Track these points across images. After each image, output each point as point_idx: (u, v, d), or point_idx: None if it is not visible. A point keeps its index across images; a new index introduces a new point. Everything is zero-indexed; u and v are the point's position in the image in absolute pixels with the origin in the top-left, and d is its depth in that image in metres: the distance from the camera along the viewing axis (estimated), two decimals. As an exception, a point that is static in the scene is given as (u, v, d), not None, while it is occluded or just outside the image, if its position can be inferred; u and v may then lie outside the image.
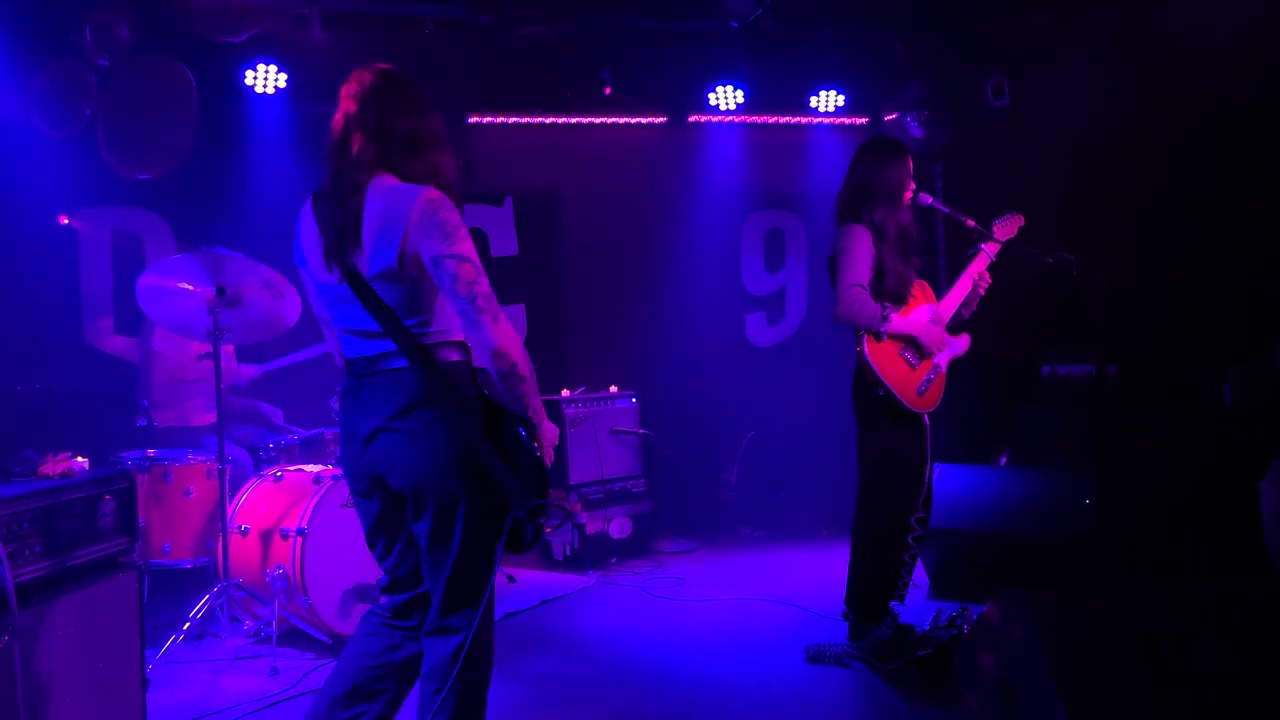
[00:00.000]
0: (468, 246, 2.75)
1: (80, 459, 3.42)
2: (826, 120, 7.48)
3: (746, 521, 7.13)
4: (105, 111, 5.68)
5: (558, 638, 5.02)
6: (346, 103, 2.86)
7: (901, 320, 4.40)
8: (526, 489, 2.73)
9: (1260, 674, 2.92)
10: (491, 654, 2.88)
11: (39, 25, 5.46)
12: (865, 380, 4.43)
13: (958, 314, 4.61)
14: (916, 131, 7.04)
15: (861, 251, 4.37)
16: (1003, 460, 6.10)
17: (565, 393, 6.57)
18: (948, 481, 5.49)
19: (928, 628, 4.53)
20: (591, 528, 6.35)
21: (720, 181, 7.51)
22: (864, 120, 7.52)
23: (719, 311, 7.64)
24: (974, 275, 4.61)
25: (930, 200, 4.73)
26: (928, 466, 4.47)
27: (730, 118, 7.39)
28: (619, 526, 6.44)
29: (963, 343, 4.60)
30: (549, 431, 2.88)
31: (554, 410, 6.46)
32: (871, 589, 4.49)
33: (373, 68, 2.90)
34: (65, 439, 3.74)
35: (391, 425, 2.78)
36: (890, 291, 4.43)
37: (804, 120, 7.52)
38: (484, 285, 2.74)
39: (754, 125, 7.47)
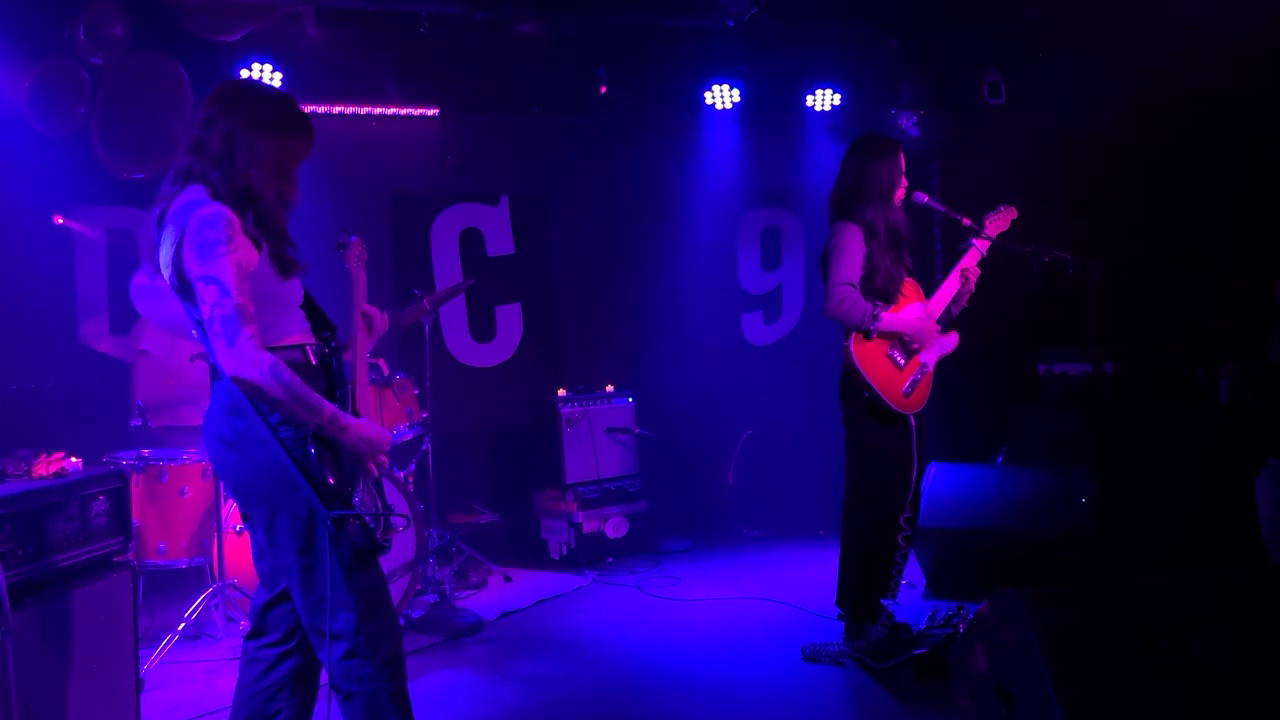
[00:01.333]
0: (221, 265, 2.62)
1: (74, 459, 3.41)
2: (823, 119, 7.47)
3: (743, 521, 7.12)
4: (99, 110, 5.66)
5: (554, 637, 5.01)
6: (198, 112, 2.85)
7: (891, 318, 4.37)
8: (324, 502, 2.68)
9: (1256, 669, 2.92)
10: (393, 651, 2.82)
11: (32, 23, 5.43)
12: (852, 381, 4.41)
13: (947, 311, 4.58)
14: (912, 130, 7.04)
15: (853, 249, 4.36)
16: (999, 459, 6.10)
17: (562, 392, 6.57)
18: (944, 480, 5.49)
19: (924, 627, 4.52)
20: (588, 527, 6.34)
21: (717, 180, 7.50)
22: (860, 119, 7.51)
23: (716, 310, 7.63)
24: (963, 271, 4.58)
25: (926, 199, 4.71)
26: (915, 466, 4.45)
27: (727, 116, 7.38)
28: (615, 526, 6.43)
29: (951, 341, 4.57)
30: (354, 439, 2.77)
31: (550, 410, 6.45)
32: (863, 589, 4.48)
33: (232, 79, 2.89)
34: (59, 439, 3.74)
35: (214, 433, 2.79)
36: (880, 289, 4.41)
37: (800, 119, 7.50)
38: (226, 308, 2.61)
39: (750, 124, 7.46)
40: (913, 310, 4.48)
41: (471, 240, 7.25)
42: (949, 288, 4.57)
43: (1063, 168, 6.49)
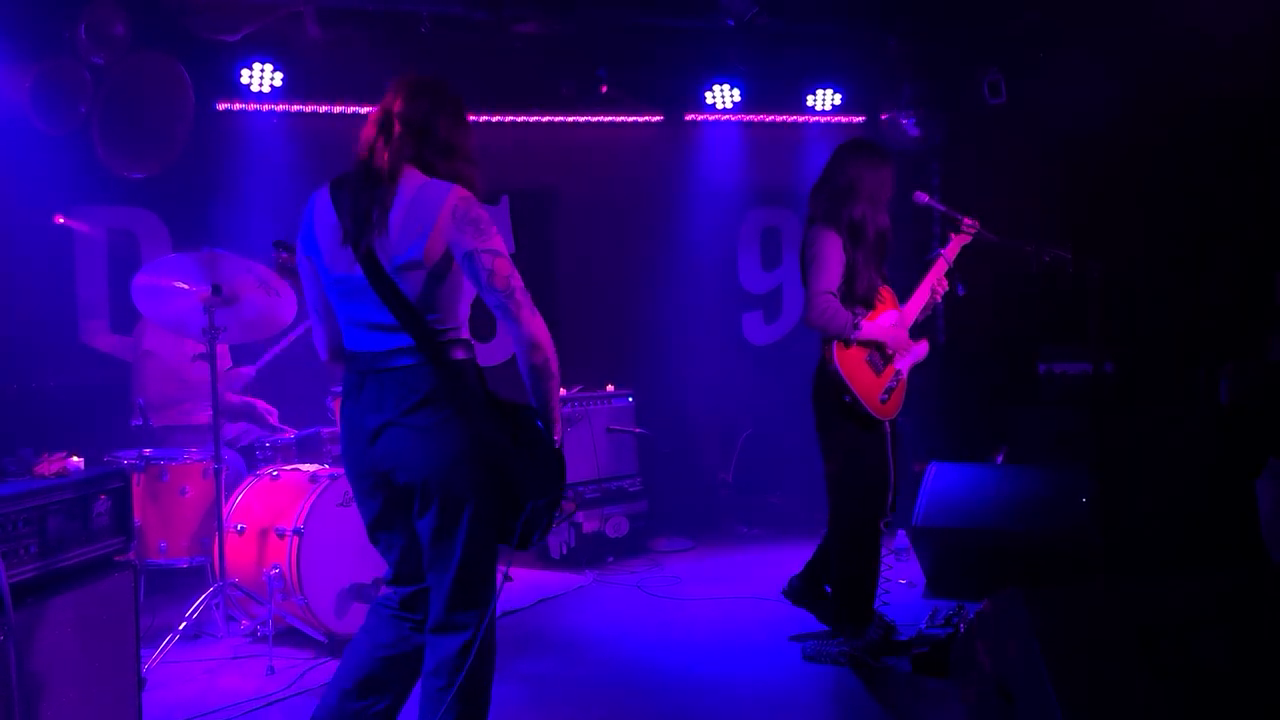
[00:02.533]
0: (499, 242, 2.81)
1: (76, 458, 3.40)
2: (823, 119, 7.48)
3: (744, 520, 7.12)
4: (101, 110, 5.66)
5: (554, 637, 5.01)
6: (392, 98, 2.91)
7: (871, 326, 4.42)
8: (549, 479, 2.80)
9: (1256, 669, 2.92)
10: (495, 652, 2.90)
11: (34, 23, 5.44)
12: (830, 386, 4.42)
13: (916, 319, 4.64)
14: (913, 130, 7.04)
15: (833, 257, 4.37)
16: (1000, 459, 6.11)
17: (562, 391, 6.55)
18: (944, 480, 5.49)
19: (924, 626, 4.53)
20: (588, 527, 6.34)
21: (717, 180, 7.50)
22: (860, 119, 7.53)
23: (716, 310, 7.63)
24: (933, 281, 4.64)
25: (927, 199, 4.73)
26: (893, 469, 4.47)
27: (727, 116, 7.39)
28: (615, 525, 6.44)
29: (923, 348, 4.63)
30: (562, 429, 2.93)
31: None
32: (853, 591, 4.50)
33: (413, 75, 2.97)
34: (61, 438, 3.74)
35: (402, 421, 2.79)
36: (861, 296, 4.43)
37: (800, 119, 7.51)
38: (519, 280, 2.81)
39: (751, 124, 7.47)
40: (889, 318, 4.51)
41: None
42: (921, 296, 4.62)
43: (1063, 167, 6.49)
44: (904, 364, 4.52)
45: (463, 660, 2.79)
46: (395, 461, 2.82)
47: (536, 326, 2.81)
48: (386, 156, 2.84)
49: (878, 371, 4.45)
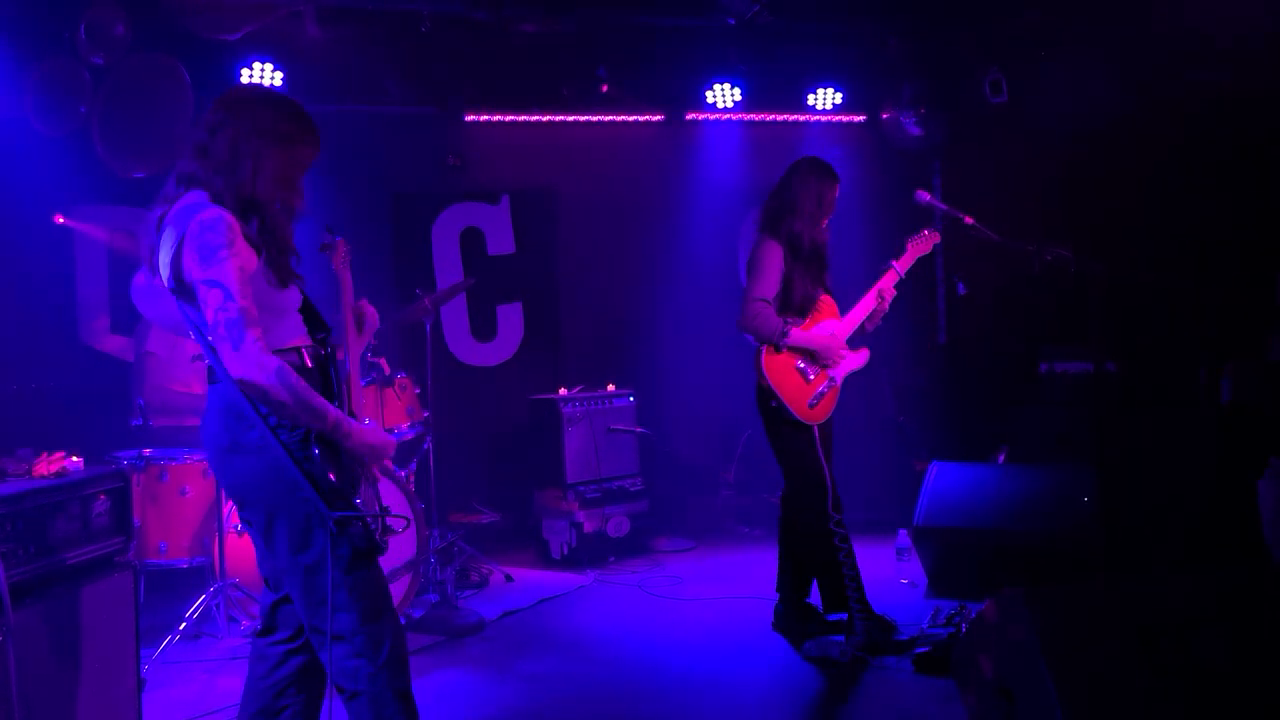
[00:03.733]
0: (224, 270, 2.60)
1: (75, 458, 3.41)
2: (824, 118, 7.48)
3: (744, 520, 7.11)
4: (101, 110, 5.66)
5: (555, 637, 5.01)
6: (205, 115, 2.83)
7: (801, 334, 4.56)
8: (327, 503, 2.67)
9: (1256, 669, 2.92)
10: (396, 651, 2.81)
11: (34, 23, 5.44)
12: (760, 391, 4.59)
13: (861, 328, 4.73)
14: (914, 129, 7.04)
15: (772, 267, 4.55)
16: (1001, 458, 6.10)
17: (563, 391, 6.56)
18: (946, 479, 5.49)
19: (926, 626, 4.53)
20: (589, 526, 6.34)
21: (718, 179, 7.50)
22: (861, 118, 7.52)
23: (716, 309, 7.60)
24: (879, 291, 4.72)
25: (928, 198, 4.74)
26: (826, 471, 4.57)
27: (728, 115, 7.38)
28: (616, 525, 6.43)
29: (861, 357, 4.72)
30: (358, 445, 2.75)
31: (551, 409, 6.45)
32: (829, 584, 4.62)
33: (243, 85, 2.88)
34: (61, 438, 3.73)
35: (213, 438, 2.79)
36: (796, 306, 4.58)
37: (801, 118, 7.51)
38: (230, 311, 2.58)
39: (751, 123, 7.47)
40: (824, 328, 4.64)
41: (472, 239, 7.25)
42: (864, 306, 4.72)
43: (1064, 166, 6.49)
44: (838, 371, 4.65)
45: (350, 670, 2.74)
46: (216, 477, 2.96)
47: (239, 360, 2.59)
48: (169, 184, 2.78)
49: (807, 378, 4.58)
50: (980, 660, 3.23)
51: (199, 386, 5.47)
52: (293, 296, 2.85)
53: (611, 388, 6.70)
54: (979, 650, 3.26)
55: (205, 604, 4.69)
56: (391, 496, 4.77)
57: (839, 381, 4.65)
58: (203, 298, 2.62)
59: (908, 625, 4.65)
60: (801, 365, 4.57)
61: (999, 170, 6.66)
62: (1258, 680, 2.90)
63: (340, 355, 3.08)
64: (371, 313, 3.27)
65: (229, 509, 4.84)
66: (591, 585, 5.90)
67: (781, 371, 4.54)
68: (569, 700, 4.20)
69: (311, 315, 2.93)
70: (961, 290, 5.57)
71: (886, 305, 4.73)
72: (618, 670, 4.53)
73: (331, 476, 2.71)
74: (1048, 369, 6.29)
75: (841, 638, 4.52)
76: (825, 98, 7.35)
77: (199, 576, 5.08)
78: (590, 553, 6.29)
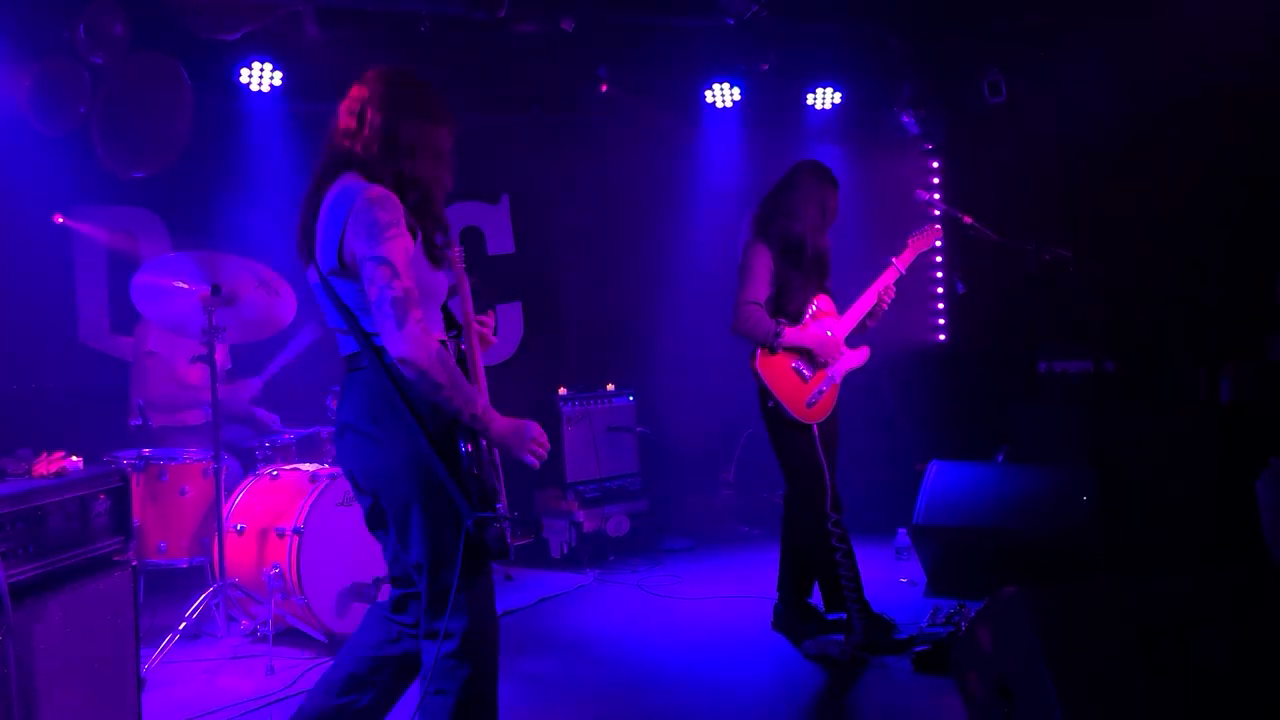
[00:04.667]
0: (392, 247, 2.62)
1: (75, 458, 3.40)
2: (824, 118, 7.46)
3: (744, 519, 7.12)
4: (100, 110, 5.66)
5: (555, 636, 5.01)
6: (347, 99, 2.85)
7: (796, 334, 4.53)
8: (469, 502, 2.67)
9: (1256, 669, 2.92)
10: (492, 659, 2.83)
11: (33, 23, 5.43)
12: (758, 393, 4.58)
13: (862, 324, 4.71)
14: (913, 129, 7.04)
15: (761, 270, 4.53)
16: (1000, 457, 6.10)
17: (563, 390, 6.56)
18: (945, 479, 5.49)
19: (925, 624, 4.53)
20: (589, 526, 6.34)
21: (717, 179, 7.49)
22: (861, 118, 7.51)
23: (717, 308, 7.59)
24: (879, 290, 4.71)
25: (927, 198, 4.73)
26: (825, 470, 4.55)
27: (728, 115, 7.38)
28: (616, 524, 6.44)
29: (861, 355, 4.70)
30: (503, 432, 2.74)
31: (551, 408, 6.45)
32: (830, 584, 4.62)
33: (383, 66, 2.88)
34: (60, 438, 3.73)
35: (355, 426, 2.78)
36: (792, 313, 4.57)
37: (801, 118, 7.50)
38: (396, 289, 2.59)
39: (751, 123, 7.46)
40: (819, 327, 4.61)
41: (472, 239, 7.24)
42: (864, 304, 4.71)
43: (1063, 166, 6.49)
44: (837, 370, 4.62)
45: (450, 667, 2.74)
46: (352, 464, 2.83)
47: (403, 339, 2.58)
48: (321, 166, 2.79)
49: (804, 378, 4.56)
50: (980, 659, 3.23)
51: (197, 387, 5.47)
52: (442, 281, 2.85)
53: (611, 387, 6.71)
54: (978, 649, 3.26)
55: (204, 604, 4.69)
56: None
57: (838, 380, 4.63)
58: (369, 274, 2.61)
59: (907, 624, 4.66)
60: (797, 365, 4.56)
61: (998, 170, 6.66)
62: (1258, 680, 2.90)
63: (476, 356, 3.00)
64: (491, 326, 3.15)
65: (229, 509, 4.84)
66: (591, 584, 5.90)
67: (777, 372, 4.53)
68: (569, 699, 4.21)
69: (445, 310, 2.94)
70: (961, 290, 5.57)
71: (887, 303, 4.71)
72: (617, 669, 4.53)
73: (476, 473, 2.71)
74: (1047, 368, 6.29)
75: (841, 637, 4.53)
76: (825, 97, 7.35)
77: (199, 576, 5.08)
78: (590, 552, 6.30)
